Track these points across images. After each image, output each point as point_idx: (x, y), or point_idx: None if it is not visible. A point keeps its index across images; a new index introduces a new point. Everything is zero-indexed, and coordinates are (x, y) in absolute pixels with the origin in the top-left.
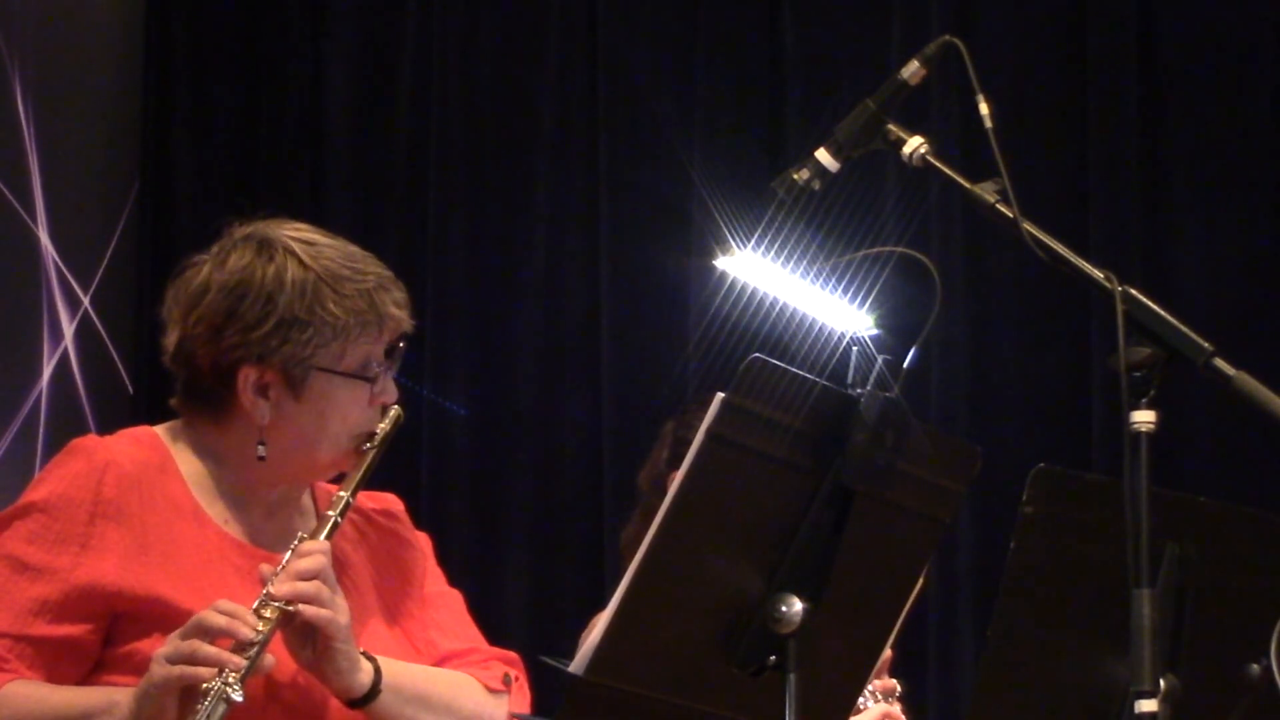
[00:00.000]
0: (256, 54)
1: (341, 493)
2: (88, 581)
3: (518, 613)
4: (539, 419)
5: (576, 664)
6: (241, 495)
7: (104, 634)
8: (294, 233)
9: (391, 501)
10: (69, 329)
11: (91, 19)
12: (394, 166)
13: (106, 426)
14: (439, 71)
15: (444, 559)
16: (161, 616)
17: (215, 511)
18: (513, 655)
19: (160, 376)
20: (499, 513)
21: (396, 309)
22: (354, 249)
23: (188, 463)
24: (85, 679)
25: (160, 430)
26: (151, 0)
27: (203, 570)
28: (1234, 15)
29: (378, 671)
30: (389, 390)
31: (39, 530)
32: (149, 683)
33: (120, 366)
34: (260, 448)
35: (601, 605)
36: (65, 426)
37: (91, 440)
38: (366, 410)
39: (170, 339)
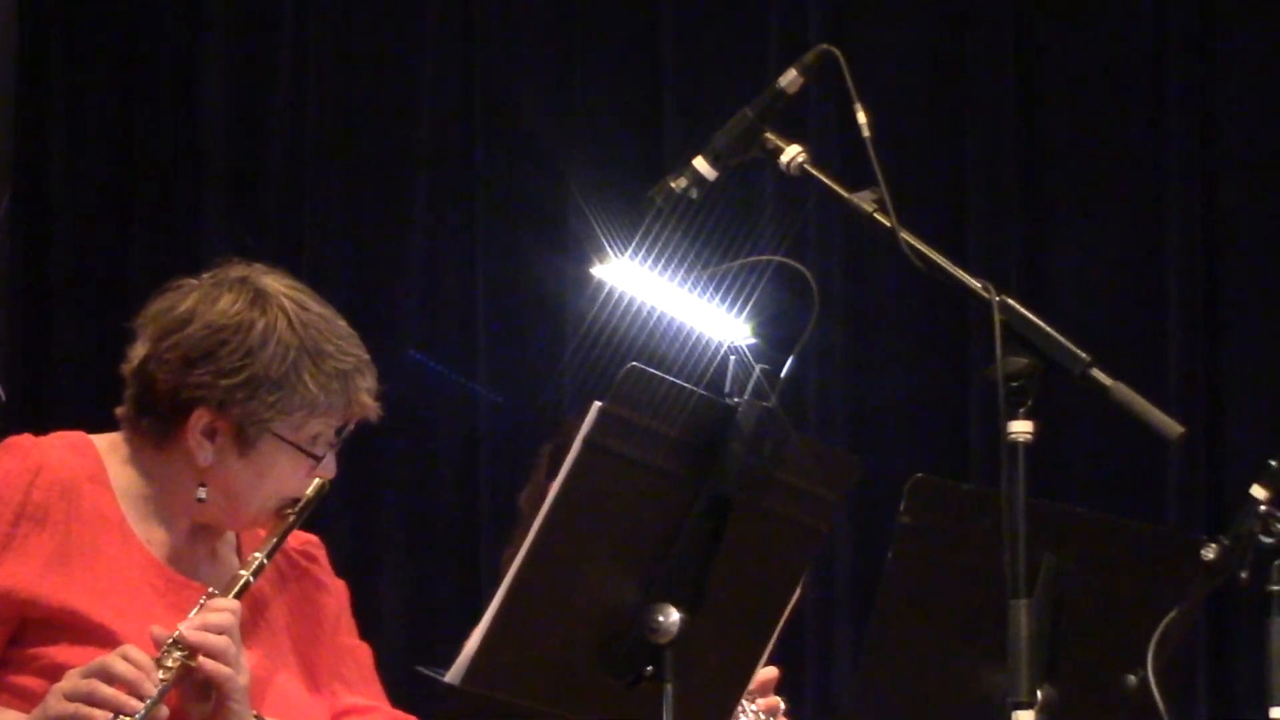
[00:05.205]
0: (132, 64)
1: (257, 554)
2: (4, 586)
3: (394, 623)
4: (415, 428)
5: (452, 673)
6: (168, 518)
7: (10, 635)
8: (289, 291)
9: (314, 544)
10: None
11: None
12: (270, 175)
13: None
14: (315, 81)
15: None
16: (73, 627)
17: (141, 529)
18: None
19: (34, 384)
20: (375, 522)
21: (367, 397)
22: (341, 324)
23: (120, 476)
24: None
25: (97, 439)
26: (25, 7)
27: (120, 586)
28: (1111, 24)
29: None
30: (330, 466)
31: None
32: (43, 714)
33: None
34: (201, 490)
35: (479, 614)
36: None
37: (27, 440)
38: (302, 481)
39: (137, 353)
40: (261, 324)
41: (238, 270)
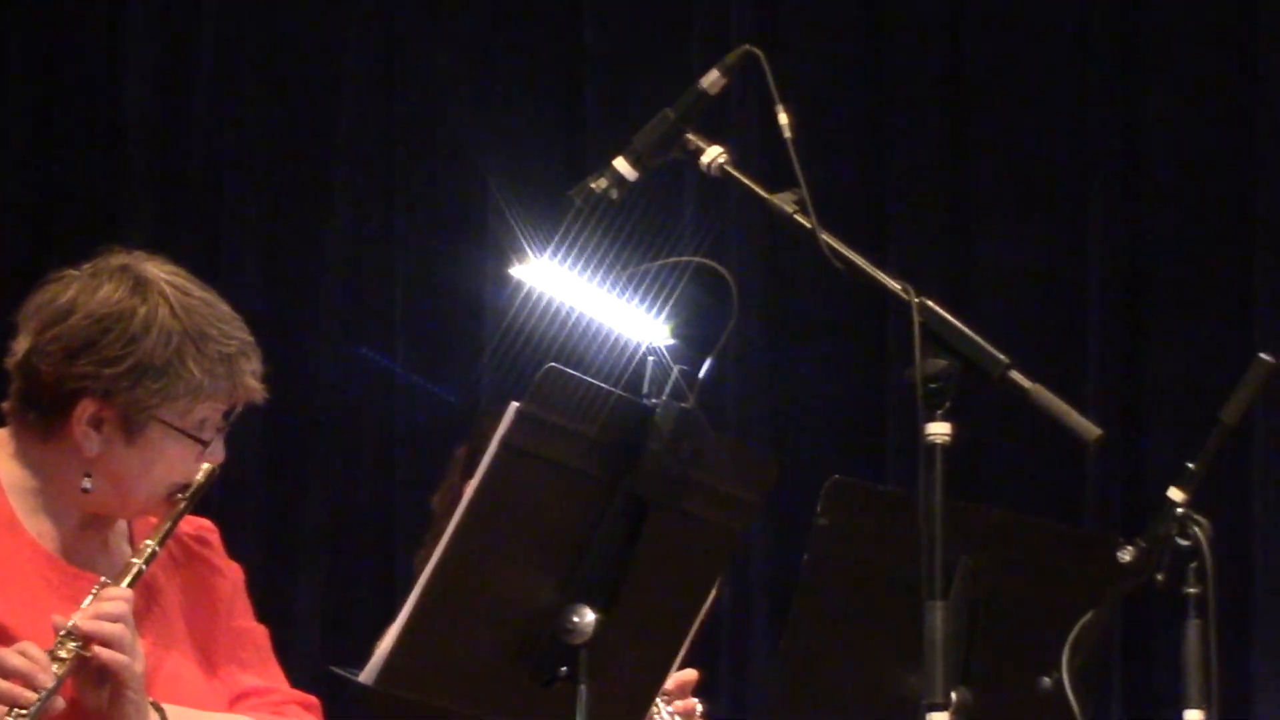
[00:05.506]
0: (53, 58)
1: (149, 541)
2: None
3: (309, 624)
4: (334, 425)
5: (366, 674)
6: (58, 511)
7: None
8: (170, 277)
9: (207, 528)
10: None
11: None
12: (190, 171)
13: None
14: (236, 78)
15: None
16: None
17: (31, 524)
18: (312, 700)
19: None
20: (291, 523)
21: (253, 380)
22: (224, 308)
23: (8, 471)
24: None
25: None
26: None
27: (13, 581)
28: (1036, 27)
29: None
30: (218, 451)
31: None
32: None
33: None
34: (86, 480)
35: (394, 615)
36: None
37: None
38: (191, 466)
39: (19, 345)
40: (143, 311)
41: (118, 259)
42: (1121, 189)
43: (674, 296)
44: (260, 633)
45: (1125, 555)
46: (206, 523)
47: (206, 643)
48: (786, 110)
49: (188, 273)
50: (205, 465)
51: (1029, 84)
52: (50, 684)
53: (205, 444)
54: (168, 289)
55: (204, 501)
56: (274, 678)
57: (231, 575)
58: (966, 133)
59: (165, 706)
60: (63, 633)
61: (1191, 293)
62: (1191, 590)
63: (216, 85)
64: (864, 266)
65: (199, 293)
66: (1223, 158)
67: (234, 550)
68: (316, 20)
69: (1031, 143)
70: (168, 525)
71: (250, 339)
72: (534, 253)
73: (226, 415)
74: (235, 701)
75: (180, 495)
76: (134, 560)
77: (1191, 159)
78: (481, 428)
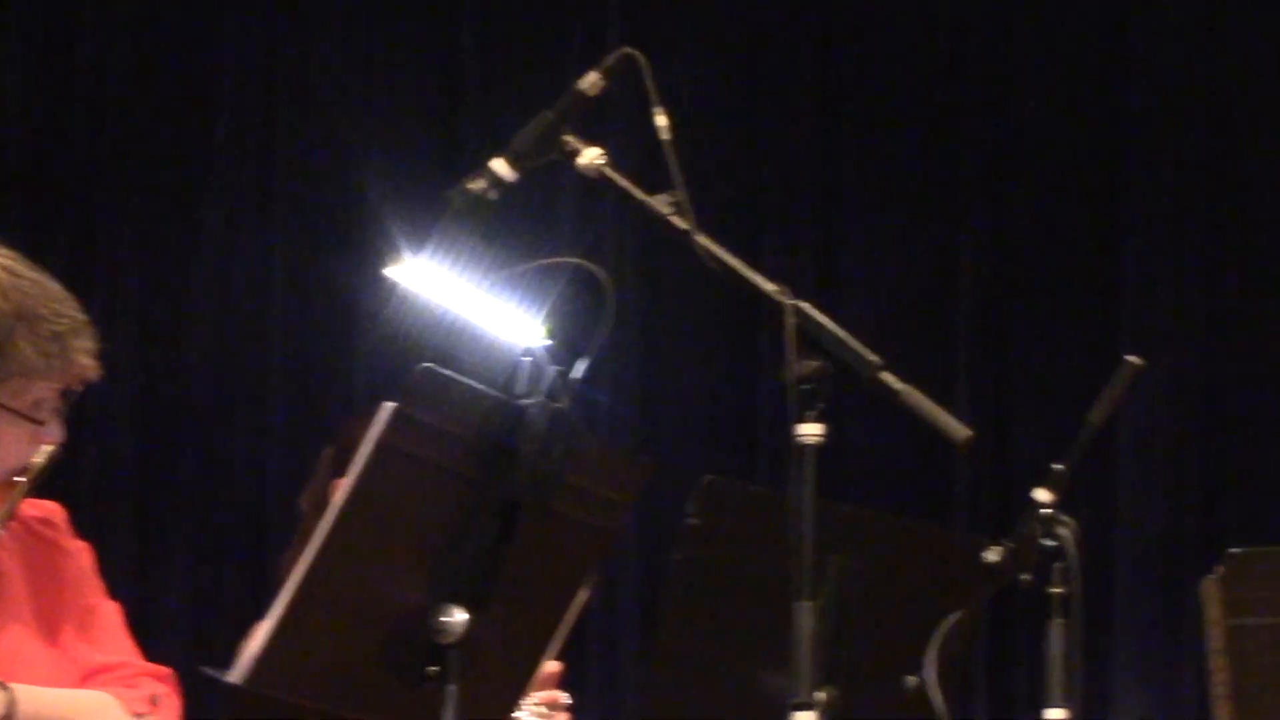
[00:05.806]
0: None
1: None
2: None
3: (177, 623)
4: (207, 426)
5: (235, 673)
6: None
7: None
8: None
9: (53, 510)
10: None
11: None
12: (65, 169)
13: None
14: (113, 75)
15: (102, 564)
16: None
17: None
18: (164, 671)
19: None
20: (162, 519)
21: (86, 357)
22: (55, 288)
23: None
24: None
25: None
26: None
27: None
28: (908, 34)
29: (11, 702)
30: (55, 432)
31: None
32: None
33: None
34: None
35: (264, 612)
36: None
37: None
38: (28, 447)
39: None
40: None
41: None
42: (990, 192)
43: (550, 298)
44: (111, 609)
45: (991, 555)
46: (52, 504)
47: (54, 623)
48: (665, 112)
49: (19, 254)
50: (45, 447)
51: (900, 88)
52: None
53: (40, 424)
54: None
55: (70, 490)
56: (126, 652)
57: (77, 554)
58: (838, 135)
59: (13, 686)
60: None
61: (1059, 295)
62: (1056, 590)
63: (93, 81)
64: (739, 269)
65: (29, 273)
66: (1091, 160)
67: (105, 543)
68: (194, 18)
69: (901, 145)
70: (8, 507)
71: (83, 317)
72: (409, 253)
73: (63, 395)
74: (87, 678)
75: (19, 478)
76: None
77: (1060, 161)
78: (349, 428)
